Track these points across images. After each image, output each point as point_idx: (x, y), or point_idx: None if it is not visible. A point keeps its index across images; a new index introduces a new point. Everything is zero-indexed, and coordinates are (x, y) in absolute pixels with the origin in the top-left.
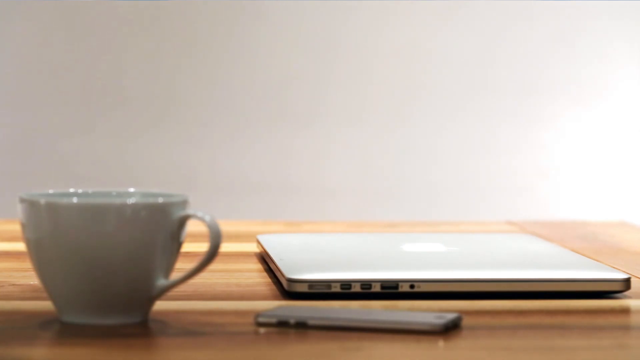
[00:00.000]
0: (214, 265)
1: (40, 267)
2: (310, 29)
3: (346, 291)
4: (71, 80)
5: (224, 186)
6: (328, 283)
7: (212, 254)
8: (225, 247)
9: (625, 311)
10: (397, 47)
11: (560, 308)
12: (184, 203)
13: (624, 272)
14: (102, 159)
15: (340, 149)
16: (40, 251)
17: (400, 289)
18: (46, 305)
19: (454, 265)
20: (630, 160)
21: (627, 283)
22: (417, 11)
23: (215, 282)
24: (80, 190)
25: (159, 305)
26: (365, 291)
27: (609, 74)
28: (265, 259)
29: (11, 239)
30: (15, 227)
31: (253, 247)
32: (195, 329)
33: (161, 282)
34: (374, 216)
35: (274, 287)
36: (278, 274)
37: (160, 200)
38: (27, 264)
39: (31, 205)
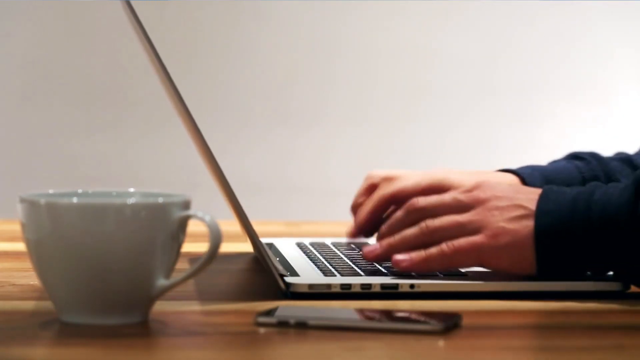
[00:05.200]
0: (214, 265)
1: (40, 267)
2: (313, 29)
3: (346, 291)
4: (72, 80)
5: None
6: (328, 283)
7: (212, 254)
8: (225, 247)
9: (625, 311)
10: (399, 48)
11: (560, 308)
12: (184, 203)
13: None
14: (103, 159)
15: (341, 150)
16: (40, 251)
17: (400, 289)
18: (46, 305)
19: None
20: None
21: (626, 284)
22: (419, 12)
23: (215, 282)
24: (80, 190)
25: (159, 305)
26: (365, 291)
27: (610, 74)
28: (265, 259)
29: (11, 239)
30: (15, 227)
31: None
32: (195, 329)
33: (161, 282)
34: None
35: (274, 287)
36: (278, 275)
37: (160, 200)
38: (27, 264)
39: (31, 205)
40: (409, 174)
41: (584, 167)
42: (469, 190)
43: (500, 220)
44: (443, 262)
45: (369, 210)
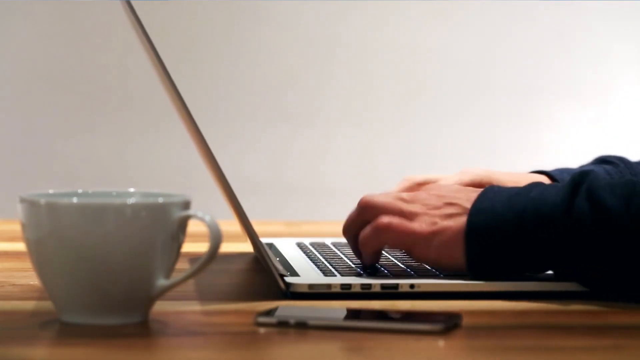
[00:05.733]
0: (214, 265)
1: (40, 267)
2: (311, 29)
3: (346, 291)
4: (71, 80)
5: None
6: (328, 283)
7: (212, 254)
8: (225, 247)
9: (625, 311)
10: (397, 48)
11: (560, 308)
12: (184, 203)
13: None
14: (102, 159)
15: (340, 150)
16: (40, 251)
17: (400, 289)
18: (46, 305)
19: None
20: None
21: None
22: (417, 12)
23: (215, 282)
24: (80, 190)
25: (159, 305)
26: (365, 291)
27: (610, 74)
28: (265, 259)
29: (11, 239)
30: (15, 227)
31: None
32: (195, 329)
33: (161, 282)
34: None
35: (274, 287)
36: (278, 275)
37: (160, 200)
38: (27, 264)
39: (31, 205)
40: (446, 177)
41: (613, 170)
42: (414, 189)
43: (435, 216)
44: (376, 237)
45: None
